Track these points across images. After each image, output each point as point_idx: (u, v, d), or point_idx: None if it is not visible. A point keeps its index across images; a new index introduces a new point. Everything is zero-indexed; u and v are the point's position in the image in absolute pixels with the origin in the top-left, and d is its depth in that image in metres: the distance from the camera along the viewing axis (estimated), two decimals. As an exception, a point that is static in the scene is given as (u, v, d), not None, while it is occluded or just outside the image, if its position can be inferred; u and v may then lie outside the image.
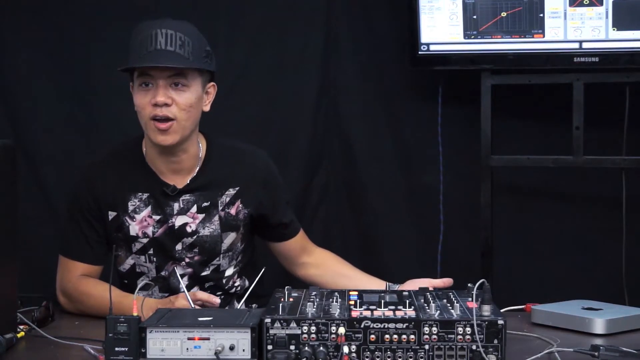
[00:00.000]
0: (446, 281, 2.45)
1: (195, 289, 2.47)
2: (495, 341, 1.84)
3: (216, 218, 2.47)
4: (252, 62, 3.22)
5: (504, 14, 2.95)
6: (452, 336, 1.85)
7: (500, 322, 1.85)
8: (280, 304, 1.92)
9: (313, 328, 1.85)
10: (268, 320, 1.85)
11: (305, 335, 1.85)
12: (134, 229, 2.43)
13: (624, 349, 1.92)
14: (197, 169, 2.46)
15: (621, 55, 2.89)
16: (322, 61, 3.23)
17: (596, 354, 1.89)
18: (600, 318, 2.16)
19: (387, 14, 3.19)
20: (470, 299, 1.97)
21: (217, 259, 2.50)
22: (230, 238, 2.50)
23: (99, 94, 3.19)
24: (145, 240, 2.44)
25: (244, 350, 1.84)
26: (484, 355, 1.84)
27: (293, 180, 3.19)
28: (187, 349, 1.84)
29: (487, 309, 1.88)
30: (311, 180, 3.26)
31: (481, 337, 1.84)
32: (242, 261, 2.57)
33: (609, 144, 3.07)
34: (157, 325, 1.85)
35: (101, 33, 3.16)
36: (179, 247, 2.46)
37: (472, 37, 2.99)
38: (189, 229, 2.45)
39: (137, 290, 2.00)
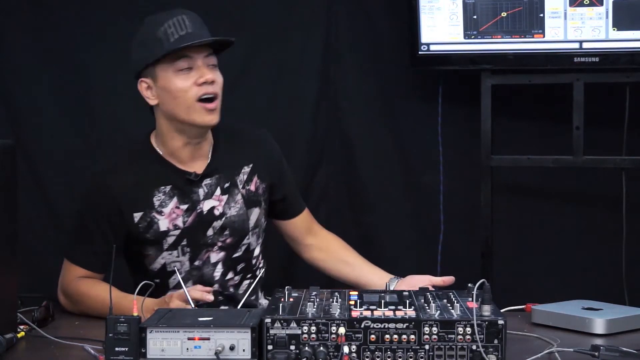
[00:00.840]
0: (446, 279, 2.45)
1: (231, 274, 2.51)
2: (496, 341, 1.84)
3: (239, 197, 2.50)
4: (252, 62, 3.22)
5: (504, 14, 2.95)
6: (452, 336, 1.85)
7: (501, 322, 1.85)
8: (281, 304, 1.92)
9: (313, 328, 1.85)
10: (268, 320, 1.85)
11: (306, 335, 1.85)
12: (164, 223, 2.43)
13: (624, 349, 1.92)
14: (211, 153, 2.49)
15: (621, 55, 2.89)
16: (322, 61, 3.23)
17: (596, 354, 1.89)
18: (600, 318, 2.16)
19: (387, 14, 3.19)
20: (470, 299, 1.97)
21: (247, 237, 2.53)
22: (255, 214, 2.54)
23: (99, 94, 3.19)
24: (177, 233, 2.44)
25: (244, 350, 1.84)
26: (484, 355, 1.84)
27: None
28: (187, 349, 1.84)
29: (487, 309, 1.88)
30: (311, 180, 3.26)
31: (481, 337, 1.84)
32: (264, 240, 2.62)
33: (609, 144, 3.07)
34: (157, 325, 1.85)
35: (101, 33, 3.15)
36: (210, 232, 2.47)
37: (472, 37, 2.99)
38: (216, 212, 2.47)
39: (136, 291, 2.00)
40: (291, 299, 2.03)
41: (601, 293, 2.48)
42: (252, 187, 2.53)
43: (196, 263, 2.48)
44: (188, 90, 2.36)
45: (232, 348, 1.83)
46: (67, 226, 3.09)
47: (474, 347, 1.84)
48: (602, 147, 3.05)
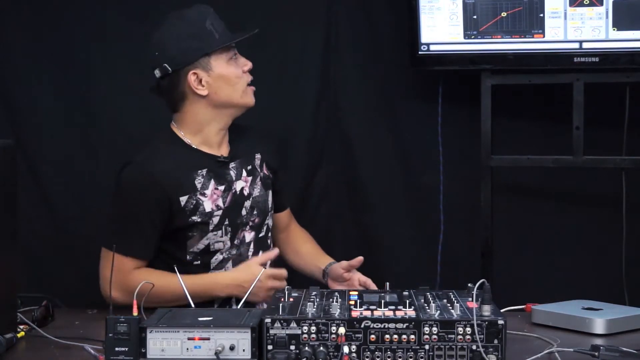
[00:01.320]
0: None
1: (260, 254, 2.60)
2: (496, 341, 1.85)
3: (259, 179, 2.63)
4: (252, 62, 3.22)
5: (504, 14, 2.95)
6: (452, 336, 1.85)
7: (500, 322, 1.85)
8: (281, 304, 1.92)
9: (313, 328, 1.85)
10: (268, 320, 1.85)
11: (306, 335, 1.85)
12: (208, 204, 2.50)
13: (624, 349, 1.92)
14: (229, 139, 2.60)
15: (621, 55, 2.89)
16: (322, 61, 3.23)
17: (596, 354, 1.89)
18: (600, 318, 2.16)
19: (387, 14, 3.19)
20: (470, 299, 1.97)
21: (268, 216, 2.66)
22: (270, 196, 2.67)
23: (99, 94, 3.19)
24: (220, 213, 2.51)
25: (244, 350, 1.84)
26: (484, 355, 1.84)
27: (293, 180, 3.20)
28: (187, 349, 1.84)
29: (487, 309, 1.88)
30: (311, 180, 3.26)
31: (481, 337, 1.84)
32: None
33: (609, 144, 3.06)
34: (157, 325, 1.86)
35: (101, 33, 3.15)
36: (243, 212, 2.57)
37: (472, 37, 2.99)
38: (245, 192, 2.58)
39: (137, 290, 1.99)
40: (291, 299, 2.03)
41: (601, 293, 2.48)
42: (266, 172, 2.67)
43: (235, 242, 2.55)
44: (241, 76, 2.56)
45: (232, 348, 1.83)
46: (69, 231, 3.10)
47: (474, 347, 1.84)
48: (602, 147, 3.05)
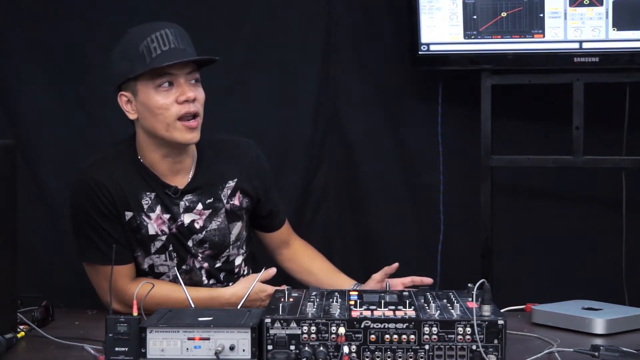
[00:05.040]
0: (406, 280, 2.44)
1: (213, 280, 2.51)
2: (496, 341, 1.84)
3: (222, 211, 2.48)
4: (252, 62, 3.22)
5: (504, 14, 2.95)
6: (452, 336, 1.85)
7: (500, 322, 1.85)
8: (280, 304, 1.92)
9: (313, 328, 1.85)
10: (268, 320, 1.85)
11: (306, 335, 1.85)
12: (153, 227, 2.42)
13: (624, 349, 1.92)
14: (194, 169, 2.46)
15: (621, 55, 2.89)
16: (322, 61, 3.23)
17: (596, 354, 1.89)
18: (600, 318, 2.16)
19: (387, 14, 3.19)
20: (470, 299, 1.97)
21: (227, 250, 2.52)
22: (237, 228, 2.52)
23: (99, 94, 3.18)
24: (164, 238, 2.43)
25: (244, 350, 1.84)
26: (484, 355, 1.84)
27: (293, 181, 3.20)
28: (187, 349, 1.84)
29: (487, 309, 1.88)
30: (311, 181, 3.26)
31: (481, 337, 1.84)
32: (247, 249, 2.61)
33: (609, 144, 3.07)
34: (157, 325, 1.85)
35: (101, 33, 3.15)
36: (190, 243, 2.46)
37: (472, 37, 2.99)
38: (197, 226, 2.46)
39: (137, 290, 1.99)
40: (291, 299, 2.03)
41: (601, 293, 2.48)
42: (236, 202, 2.51)
43: (184, 267, 2.47)
44: (169, 107, 2.33)
45: (232, 348, 1.83)
46: (70, 232, 3.09)
47: (474, 347, 1.84)
48: (602, 147, 3.05)
